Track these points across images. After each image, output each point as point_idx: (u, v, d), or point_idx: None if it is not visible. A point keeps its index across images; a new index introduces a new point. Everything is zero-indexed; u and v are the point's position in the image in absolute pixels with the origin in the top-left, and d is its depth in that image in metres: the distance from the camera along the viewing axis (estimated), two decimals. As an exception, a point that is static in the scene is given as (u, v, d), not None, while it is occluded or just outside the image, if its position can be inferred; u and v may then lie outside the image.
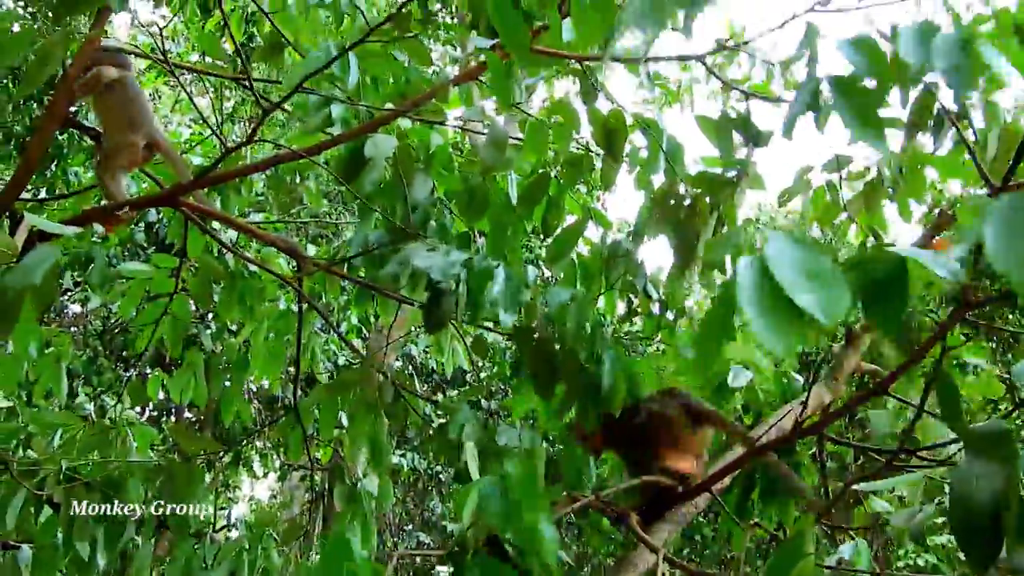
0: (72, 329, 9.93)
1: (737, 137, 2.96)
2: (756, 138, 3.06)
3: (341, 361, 9.25)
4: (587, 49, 2.63)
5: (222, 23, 5.09)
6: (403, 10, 2.56)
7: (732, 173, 3.00)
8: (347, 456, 3.17)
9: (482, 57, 2.84)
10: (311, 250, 7.60)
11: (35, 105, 5.58)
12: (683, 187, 3.05)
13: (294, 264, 3.75)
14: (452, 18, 6.49)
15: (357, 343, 8.85)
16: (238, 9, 4.71)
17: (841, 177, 3.33)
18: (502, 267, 2.47)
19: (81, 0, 2.23)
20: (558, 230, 3.22)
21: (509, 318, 2.42)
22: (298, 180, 4.29)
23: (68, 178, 5.63)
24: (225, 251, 3.65)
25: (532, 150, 2.89)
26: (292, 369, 4.12)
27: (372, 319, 8.17)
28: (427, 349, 10.64)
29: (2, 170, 6.53)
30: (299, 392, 3.46)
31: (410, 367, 11.79)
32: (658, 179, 3.09)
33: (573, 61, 2.85)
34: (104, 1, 2.22)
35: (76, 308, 10.67)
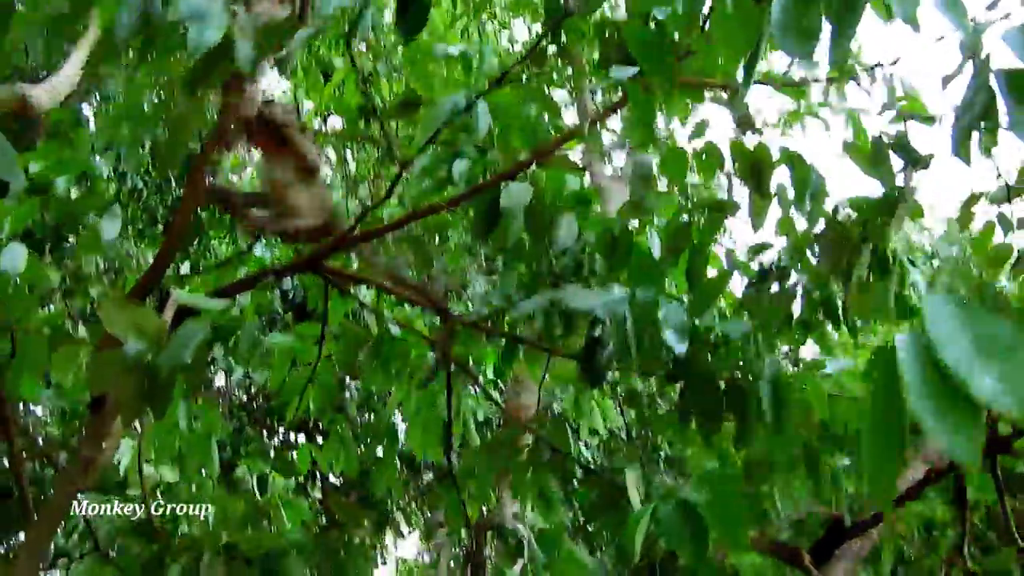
0: (218, 400, 10.20)
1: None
2: (915, 161, 2.84)
3: (480, 416, 9.17)
4: (733, 73, 2.47)
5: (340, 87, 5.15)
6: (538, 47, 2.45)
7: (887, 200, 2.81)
8: (503, 513, 3.05)
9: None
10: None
11: (175, 185, 5.75)
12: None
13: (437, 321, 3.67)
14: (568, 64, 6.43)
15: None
16: (357, 72, 4.74)
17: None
18: (668, 303, 2.31)
19: (212, 72, 2.20)
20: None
21: (681, 346, 2.25)
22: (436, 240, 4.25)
23: (209, 253, 5.76)
24: (366, 312, 3.59)
25: (670, 177, 2.72)
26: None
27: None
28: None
29: (147, 249, 6.78)
30: (452, 456, 3.34)
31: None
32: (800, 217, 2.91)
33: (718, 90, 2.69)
34: (231, 71, 2.18)
35: (220, 379, 10.98)
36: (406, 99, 3.08)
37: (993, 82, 1.76)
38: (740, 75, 2.15)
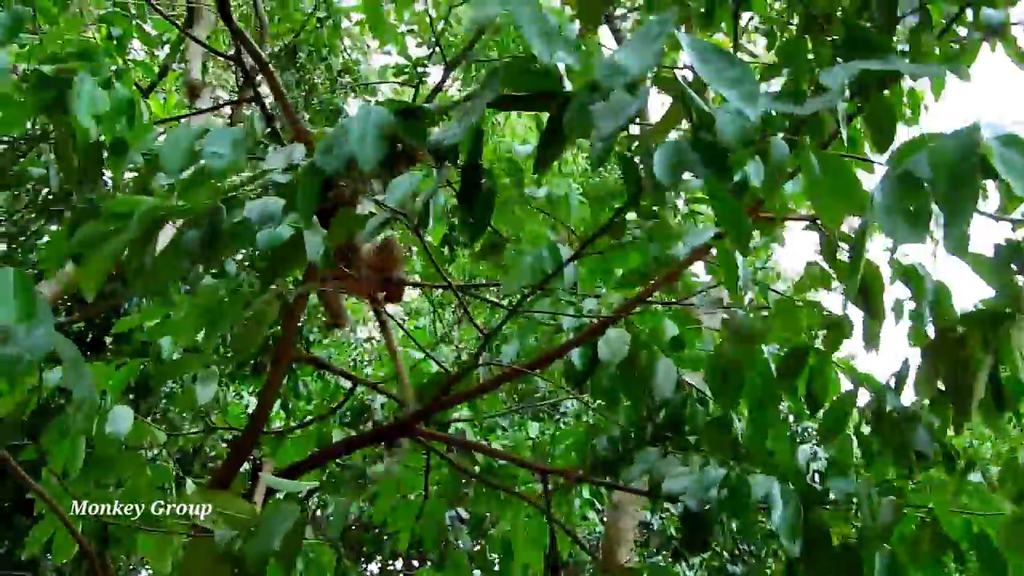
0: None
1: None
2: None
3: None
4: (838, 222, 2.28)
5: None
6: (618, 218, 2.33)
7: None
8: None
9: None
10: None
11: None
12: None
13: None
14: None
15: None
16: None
17: None
18: (775, 484, 2.11)
19: (288, 262, 2.16)
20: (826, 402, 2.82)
21: (795, 548, 2.05)
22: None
23: (299, 390, 5.75)
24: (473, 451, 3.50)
25: (783, 330, 2.53)
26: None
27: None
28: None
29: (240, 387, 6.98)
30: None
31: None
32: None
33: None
34: (306, 261, 2.14)
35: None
36: (492, 241, 3.01)
37: None
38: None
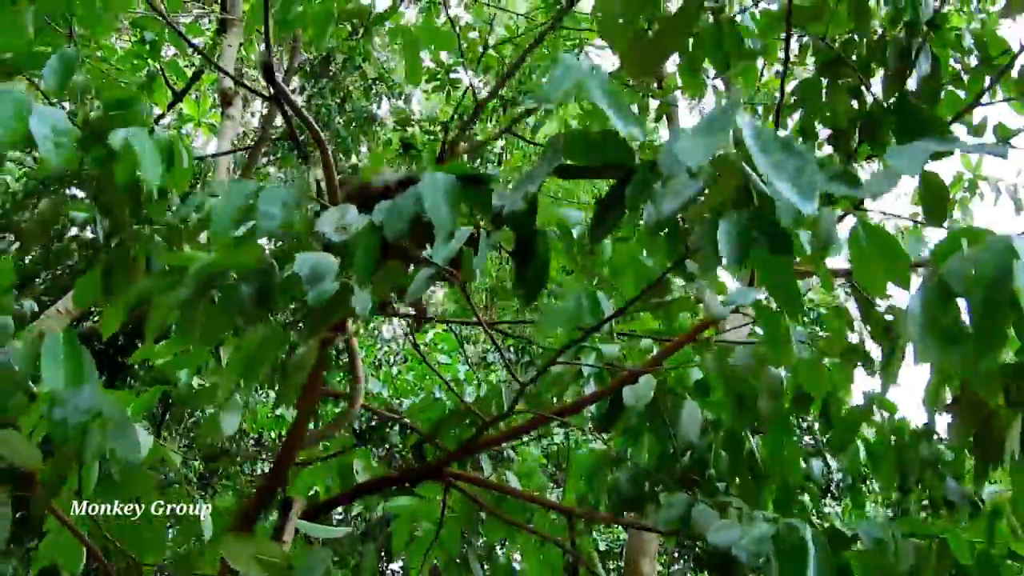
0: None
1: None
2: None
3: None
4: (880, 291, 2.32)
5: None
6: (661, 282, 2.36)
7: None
8: None
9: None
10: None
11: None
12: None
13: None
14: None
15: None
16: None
17: None
18: (808, 529, 2.14)
19: (330, 314, 2.19)
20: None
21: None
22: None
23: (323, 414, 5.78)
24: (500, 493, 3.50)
25: (810, 389, 2.57)
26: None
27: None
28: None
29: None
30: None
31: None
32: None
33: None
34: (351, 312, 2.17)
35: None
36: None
37: None
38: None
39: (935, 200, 1.76)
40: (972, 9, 3.98)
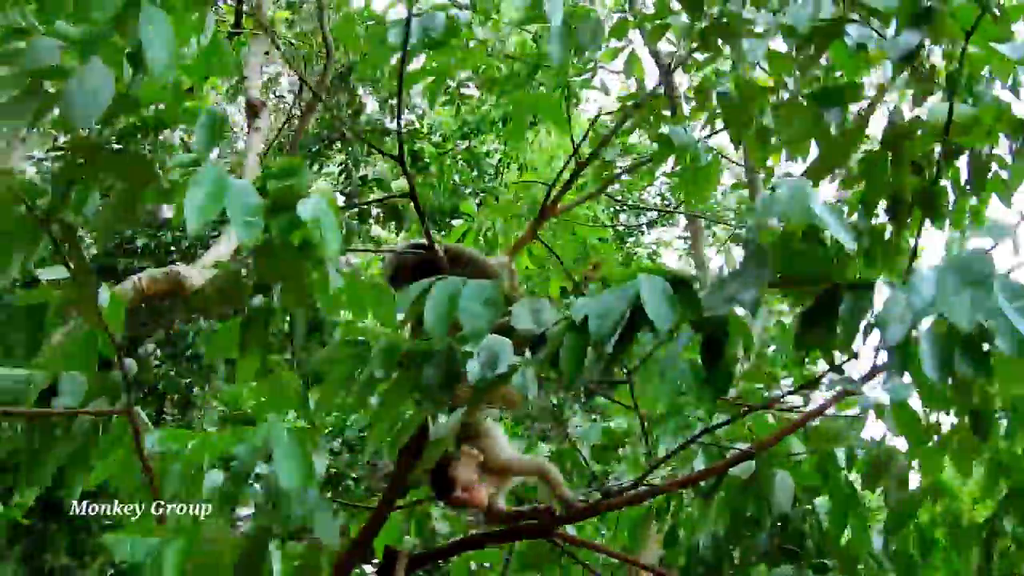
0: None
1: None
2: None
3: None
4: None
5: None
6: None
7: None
8: None
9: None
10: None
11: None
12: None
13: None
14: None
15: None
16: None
17: None
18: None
19: (492, 395, 2.27)
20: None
21: None
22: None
23: None
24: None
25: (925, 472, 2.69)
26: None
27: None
28: None
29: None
30: None
31: None
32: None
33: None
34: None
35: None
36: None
37: None
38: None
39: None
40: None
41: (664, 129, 3.43)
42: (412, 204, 3.06)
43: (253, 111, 7.78)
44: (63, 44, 2.03)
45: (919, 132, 2.59)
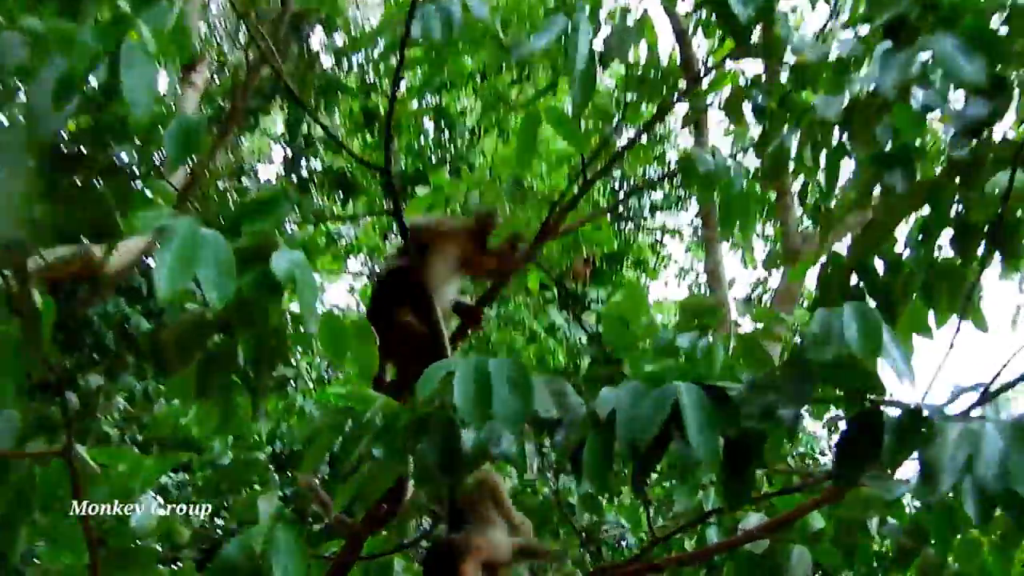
0: None
1: None
2: None
3: None
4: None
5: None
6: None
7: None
8: None
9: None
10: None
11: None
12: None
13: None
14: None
15: None
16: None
17: None
18: None
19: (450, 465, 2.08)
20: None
21: None
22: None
23: None
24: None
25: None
26: None
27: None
28: None
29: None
30: None
31: None
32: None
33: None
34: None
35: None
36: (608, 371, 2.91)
37: None
38: None
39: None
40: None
41: (687, 145, 3.17)
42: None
43: (189, 65, 6.67)
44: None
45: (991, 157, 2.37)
